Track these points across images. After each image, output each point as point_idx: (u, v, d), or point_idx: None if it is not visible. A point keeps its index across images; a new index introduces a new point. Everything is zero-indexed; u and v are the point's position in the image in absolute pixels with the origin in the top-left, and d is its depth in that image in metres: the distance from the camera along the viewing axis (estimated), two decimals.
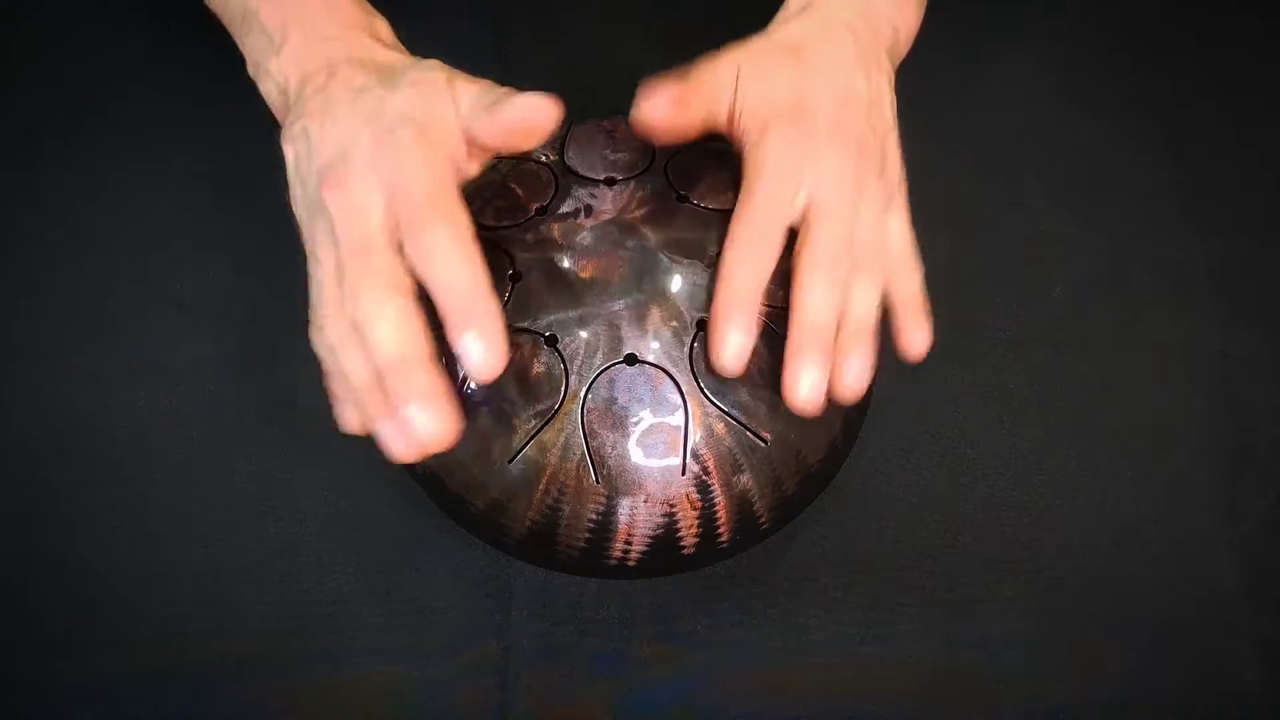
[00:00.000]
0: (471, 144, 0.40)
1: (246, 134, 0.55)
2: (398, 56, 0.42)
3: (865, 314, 0.40)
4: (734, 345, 0.39)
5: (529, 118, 0.39)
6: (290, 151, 0.40)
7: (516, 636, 0.46)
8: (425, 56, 0.43)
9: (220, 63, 0.57)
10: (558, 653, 0.46)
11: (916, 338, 0.41)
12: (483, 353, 0.37)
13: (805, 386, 0.39)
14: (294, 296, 0.52)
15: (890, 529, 0.48)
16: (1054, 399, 0.51)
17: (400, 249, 0.37)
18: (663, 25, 0.60)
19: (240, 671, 0.46)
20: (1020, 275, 0.53)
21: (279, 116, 0.43)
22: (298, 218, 0.40)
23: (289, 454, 0.49)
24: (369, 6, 0.44)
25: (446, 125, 0.39)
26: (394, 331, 0.36)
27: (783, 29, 0.43)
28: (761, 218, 0.40)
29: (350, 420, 0.39)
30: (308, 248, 0.39)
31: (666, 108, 0.40)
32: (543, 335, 0.42)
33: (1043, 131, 0.57)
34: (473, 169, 0.41)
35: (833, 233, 0.39)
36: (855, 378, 0.39)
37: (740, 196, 0.40)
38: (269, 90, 0.43)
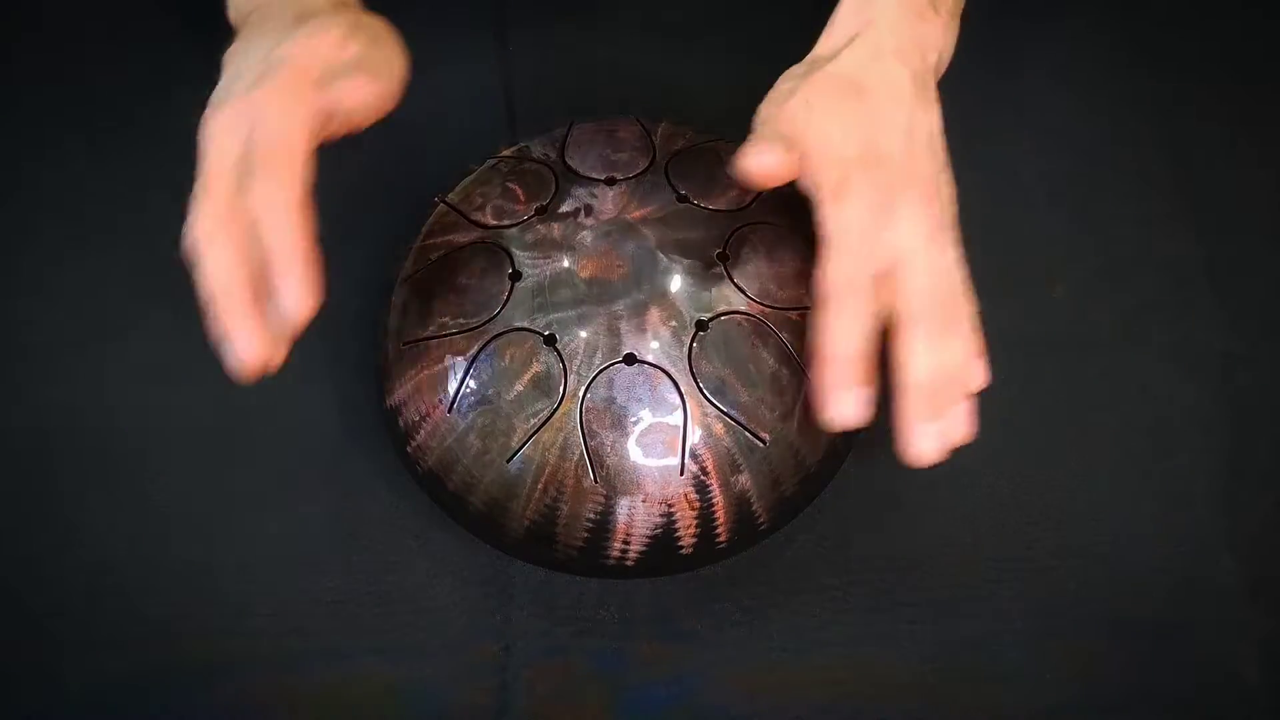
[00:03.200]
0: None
1: None
2: (331, 3, 0.42)
3: (962, 368, 0.40)
4: (851, 404, 0.39)
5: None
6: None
7: (516, 636, 0.46)
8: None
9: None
10: (558, 653, 0.46)
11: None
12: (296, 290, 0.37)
13: (929, 448, 0.39)
14: None
15: (890, 529, 0.48)
16: (1054, 399, 0.51)
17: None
18: (663, 25, 0.60)
19: (240, 671, 0.46)
20: (1020, 275, 0.53)
21: None
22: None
23: (289, 454, 0.49)
24: None
25: (321, 75, 0.39)
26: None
27: (838, 61, 0.42)
28: (852, 274, 0.39)
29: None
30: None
31: (772, 164, 0.41)
32: (542, 335, 0.42)
33: (1043, 131, 0.57)
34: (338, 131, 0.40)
35: (923, 284, 0.40)
36: (959, 429, 0.40)
37: (829, 252, 0.40)
38: (231, 15, 0.44)
